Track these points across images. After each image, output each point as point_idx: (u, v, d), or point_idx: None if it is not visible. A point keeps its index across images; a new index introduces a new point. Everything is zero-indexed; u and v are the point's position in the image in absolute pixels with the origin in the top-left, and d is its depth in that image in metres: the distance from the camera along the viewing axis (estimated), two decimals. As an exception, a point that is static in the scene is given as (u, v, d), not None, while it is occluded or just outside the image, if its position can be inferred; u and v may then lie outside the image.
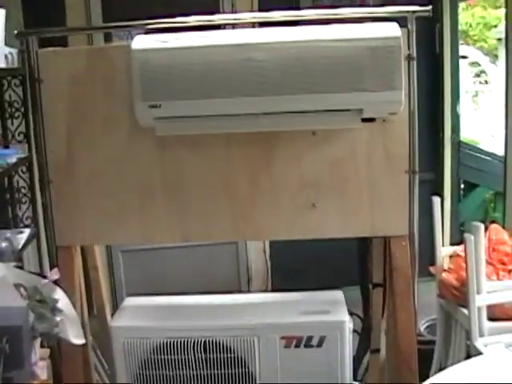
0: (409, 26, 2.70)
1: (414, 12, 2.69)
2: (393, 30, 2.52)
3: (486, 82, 12.06)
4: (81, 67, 2.81)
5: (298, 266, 5.15)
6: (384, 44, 2.50)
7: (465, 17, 11.61)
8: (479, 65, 11.66)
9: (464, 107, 5.89)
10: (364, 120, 2.67)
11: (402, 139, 2.80)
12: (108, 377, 3.63)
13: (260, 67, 2.51)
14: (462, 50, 10.55)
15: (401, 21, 2.65)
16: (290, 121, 2.63)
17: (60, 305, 2.55)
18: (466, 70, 10.70)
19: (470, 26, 12.61)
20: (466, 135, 5.80)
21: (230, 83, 2.53)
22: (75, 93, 2.83)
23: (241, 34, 2.63)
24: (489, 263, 3.40)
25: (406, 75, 2.68)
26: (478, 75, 12.01)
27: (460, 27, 10.64)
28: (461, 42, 10.97)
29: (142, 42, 2.60)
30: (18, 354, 2.22)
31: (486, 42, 12.71)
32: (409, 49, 2.71)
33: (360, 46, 2.50)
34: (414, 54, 2.73)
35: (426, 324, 4.34)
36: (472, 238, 3.03)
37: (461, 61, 10.07)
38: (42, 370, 2.45)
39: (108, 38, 4.78)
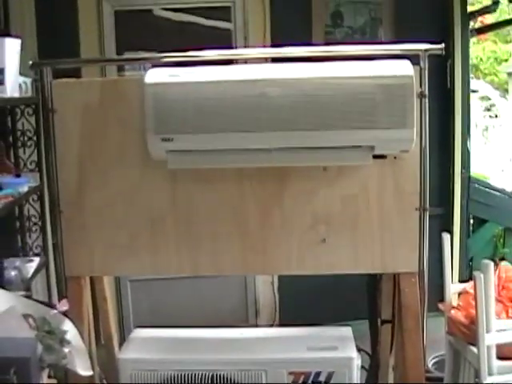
0: (421, 64, 2.70)
1: (426, 50, 2.70)
2: (405, 67, 2.54)
3: (496, 116, 12.10)
4: (94, 99, 2.82)
5: (306, 299, 5.13)
6: (396, 82, 2.51)
7: (475, 51, 11.65)
8: (489, 99, 11.71)
9: (474, 141, 5.89)
10: (375, 157, 2.67)
11: (413, 176, 2.80)
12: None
13: (273, 103, 2.52)
14: (473, 84, 10.59)
15: (413, 58, 2.66)
16: (301, 156, 2.64)
17: (68, 336, 2.56)
18: (476, 104, 10.73)
19: (481, 60, 12.65)
20: (475, 170, 5.80)
21: (242, 118, 2.54)
22: (88, 124, 2.84)
23: (254, 70, 2.65)
24: (498, 301, 3.40)
25: (418, 113, 2.68)
26: (488, 109, 12.04)
27: (470, 61, 10.69)
28: (471, 75, 11.02)
29: (155, 75, 2.61)
30: (25, 385, 2.21)
31: (496, 76, 12.75)
32: (421, 86, 2.71)
33: (372, 83, 2.51)
34: (426, 92, 2.73)
35: (434, 360, 4.31)
36: (482, 276, 3.02)
37: (471, 95, 10.11)
38: (49, 401, 2.45)
39: (121, 68, 4.82)
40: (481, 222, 5.67)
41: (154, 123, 2.58)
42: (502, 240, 5.99)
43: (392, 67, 2.55)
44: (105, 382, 3.57)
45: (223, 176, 2.84)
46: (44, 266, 3.72)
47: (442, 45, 2.72)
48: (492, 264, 3.12)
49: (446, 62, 5.32)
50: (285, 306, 5.32)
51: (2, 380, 2.12)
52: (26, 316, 2.48)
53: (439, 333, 3.84)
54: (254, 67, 2.72)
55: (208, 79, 2.58)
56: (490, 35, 11.51)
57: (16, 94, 3.30)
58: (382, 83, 2.51)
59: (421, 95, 2.72)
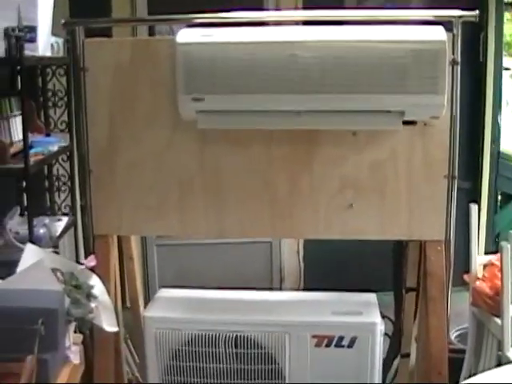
0: (454, 31, 2.69)
1: (460, 17, 2.68)
2: (438, 33, 2.52)
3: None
4: (126, 58, 2.84)
5: (331, 268, 5.15)
6: (429, 47, 2.50)
7: (509, 28, 11.51)
8: (522, 77, 11.57)
9: (505, 119, 5.84)
10: (405, 123, 2.66)
11: (443, 144, 2.79)
12: (138, 370, 3.66)
13: (303, 65, 2.52)
14: (505, 61, 10.45)
15: (446, 25, 2.64)
16: (330, 120, 2.64)
17: (95, 291, 2.58)
18: (507, 82, 10.61)
19: (515, 36, 12.49)
20: (506, 147, 5.75)
21: (272, 79, 2.55)
22: (119, 83, 2.86)
23: (285, 32, 2.66)
24: (524, 274, 3.38)
25: (450, 80, 2.67)
26: (520, 87, 11.90)
27: (504, 39, 10.54)
28: (504, 53, 10.87)
29: (186, 35, 2.62)
30: (52, 336, 2.24)
31: (530, 55, 12.59)
32: (453, 53, 2.70)
33: (405, 48, 2.50)
34: (459, 59, 2.72)
35: (457, 333, 4.30)
36: (508, 246, 3.00)
37: (504, 73, 9.98)
38: (75, 354, 2.47)
39: (151, 32, 4.81)
40: (508, 198, 5.62)
41: (184, 83, 2.59)
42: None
43: (425, 32, 2.54)
44: (129, 341, 3.62)
45: (252, 140, 2.85)
46: (72, 225, 3.75)
47: (476, 11, 2.70)
48: (519, 234, 3.11)
49: (479, 34, 5.27)
50: (310, 275, 5.33)
51: (30, 330, 2.15)
52: (54, 270, 2.51)
53: (464, 306, 3.83)
54: (286, 29, 2.73)
55: (239, 40, 2.59)
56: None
57: (48, 54, 3.32)
58: (414, 48, 2.50)
59: (453, 62, 2.71)
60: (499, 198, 5.61)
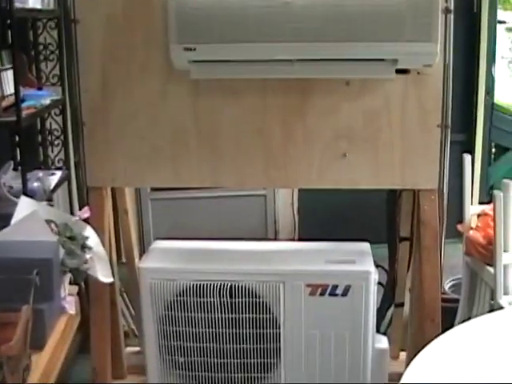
0: (447, -22, 2.68)
1: (452, -35, 2.67)
2: (432, -19, 2.51)
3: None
4: (117, 9, 2.82)
5: (325, 220, 5.17)
6: (422, -5, 2.49)
7: (504, -19, 11.43)
8: (517, 30, 11.52)
9: (500, 73, 5.83)
10: (398, 72, 2.66)
11: (436, 93, 2.79)
12: (134, 322, 3.70)
13: (297, 13, 2.51)
14: (500, 14, 10.39)
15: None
16: (324, 68, 2.64)
17: (89, 242, 2.60)
18: (503, 36, 10.57)
19: (510, -10, 12.42)
20: (500, 99, 5.75)
21: (266, 28, 2.54)
22: (111, 34, 2.84)
23: (279, -20, 2.64)
24: (517, 223, 3.40)
25: (443, 28, 2.67)
26: (515, 41, 11.85)
27: (499, -8, 10.47)
28: (499, 6, 10.81)
29: (179, -16, 2.60)
30: (48, 286, 2.27)
31: (525, 9, 12.52)
32: (446, 2, 2.69)
33: (398, -4, 2.49)
34: (452, 7, 2.71)
35: (451, 283, 4.35)
36: (501, 194, 3.02)
37: (498, 26, 9.92)
38: (71, 304, 2.51)
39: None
40: (503, 151, 5.64)
41: (176, 32, 2.59)
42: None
43: (418, -20, 2.52)
44: (124, 295, 3.65)
45: (246, 89, 2.84)
46: (66, 179, 3.75)
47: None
48: (512, 183, 3.12)
49: (473, -15, 5.24)
50: (304, 227, 5.35)
51: (25, 280, 2.17)
52: (48, 221, 2.53)
53: (458, 258, 3.87)
54: (279, -22, 2.70)
55: (231, -12, 2.57)
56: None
57: (38, 6, 3.29)
58: (407, -4, 2.48)
59: (446, 10, 2.69)
60: (493, 149, 5.63)
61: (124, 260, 3.46)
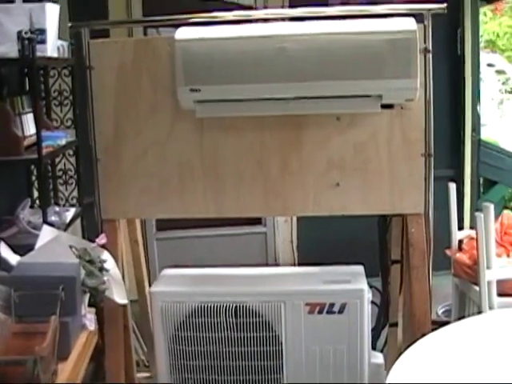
0: (425, 22, 2.97)
1: (429, 10, 2.97)
2: (409, 24, 2.81)
3: (512, 91, 12.18)
4: (128, 57, 3.10)
5: (324, 258, 5.37)
6: (401, 36, 2.79)
7: (492, 26, 11.76)
8: (505, 73, 11.82)
9: (489, 114, 6.08)
10: (383, 106, 2.94)
11: (419, 125, 3.06)
12: (144, 354, 3.91)
13: (290, 56, 2.80)
14: (489, 58, 10.73)
15: (419, 17, 2.92)
16: (316, 105, 2.92)
17: (107, 265, 2.85)
18: (492, 78, 10.88)
19: (498, 35, 12.71)
20: (491, 137, 6.00)
21: (262, 70, 2.83)
22: (122, 79, 3.12)
23: (273, 27, 2.94)
24: (500, 245, 3.65)
25: (423, 66, 2.95)
26: (504, 83, 12.15)
27: (487, 36, 10.83)
28: (488, 50, 11.14)
29: (184, 32, 2.91)
30: (71, 302, 2.50)
31: (512, 52, 12.82)
32: (425, 42, 2.97)
33: (380, 38, 2.79)
34: (430, 48, 2.98)
35: (444, 309, 4.58)
36: (482, 215, 3.25)
37: (488, 69, 10.26)
38: (91, 321, 2.73)
39: (145, 34, 5.07)
40: (491, 184, 5.90)
41: (183, 75, 2.88)
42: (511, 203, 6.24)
43: (398, 24, 2.82)
44: (136, 331, 3.85)
45: (246, 125, 3.11)
46: (80, 215, 3.99)
47: (445, 5, 2.97)
48: (492, 206, 3.35)
49: (456, 30, 5.53)
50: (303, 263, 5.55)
51: (52, 295, 2.41)
52: (69, 246, 2.77)
53: (450, 289, 4.09)
54: (273, 25, 3.01)
55: (231, 35, 2.87)
56: (506, 10, 11.59)
57: (55, 55, 3.56)
58: (388, 38, 2.78)
59: (425, 50, 2.98)
60: (481, 184, 5.89)
61: (132, 298, 3.67)
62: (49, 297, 2.42)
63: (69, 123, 4.09)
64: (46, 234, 2.86)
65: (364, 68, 2.80)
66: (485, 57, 10.11)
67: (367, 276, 3.27)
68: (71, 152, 4.08)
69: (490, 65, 10.68)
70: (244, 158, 3.14)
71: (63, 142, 3.65)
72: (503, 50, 12.89)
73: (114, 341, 3.25)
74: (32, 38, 3.06)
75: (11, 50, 3.13)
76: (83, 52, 3.17)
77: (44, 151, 3.27)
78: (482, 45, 8.41)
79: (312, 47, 2.81)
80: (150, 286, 3.50)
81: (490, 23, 11.15)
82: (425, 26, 2.97)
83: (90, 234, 4.00)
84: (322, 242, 5.41)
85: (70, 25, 3.24)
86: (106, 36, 3.92)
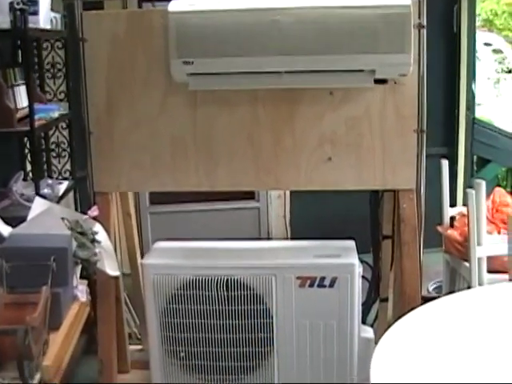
0: (420, -3, 2.96)
1: (424, -15, 2.96)
2: (404, -1, 2.80)
3: (510, 71, 12.17)
4: (121, 28, 3.08)
5: (316, 233, 5.39)
6: (396, 11, 2.78)
7: (490, 4, 11.72)
8: (502, 52, 11.79)
9: (485, 93, 6.06)
10: (377, 81, 2.94)
11: (412, 101, 3.06)
12: (136, 326, 3.93)
13: (284, 29, 2.79)
14: (487, 37, 10.70)
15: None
16: (309, 79, 2.91)
17: (98, 237, 2.86)
18: (489, 57, 10.84)
19: (496, 13, 12.67)
20: (486, 116, 5.99)
21: (256, 43, 2.83)
22: (116, 52, 3.11)
23: (267, 0, 2.91)
24: (491, 222, 3.67)
25: (417, 42, 2.95)
26: (500, 62, 12.12)
27: (485, 15, 10.78)
28: (485, 29, 11.10)
29: (177, 5, 2.89)
30: (63, 273, 2.52)
31: (510, 31, 12.78)
32: (419, 18, 2.96)
33: (374, 12, 2.78)
34: (425, 23, 2.98)
35: (435, 285, 4.60)
36: (473, 192, 3.26)
37: (484, 48, 10.21)
38: (82, 292, 2.76)
39: (139, 6, 5.02)
40: (484, 163, 5.90)
41: (176, 48, 2.87)
42: (505, 182, 6.25)
43: (392, -2, 2.81)
44: (128, 302, 3.87)
45: (239, 100, 3.10)
46: (72, 188, 4.00)
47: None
48: (484, 182, 3.36)
49: (453, 7, 5.51)
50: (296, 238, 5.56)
51: (43, 266, 2.42)
52: (61, 218, 2.78)
53: (441, 265, 4.12)
54: (268, -2, 2.99)
55: (225, 8, 2.85)
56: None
57: (48, 27, 3.56)
58: (382, 12, 2.77)
59: (419, 26, 2.97)
60: (475, 161, 5.89)
61: (124, 271, 3.68)
62: (40, 268, 2.43)
63: (62, 96, 4.08)
64: (39, 205, 2.87)
65: (357, 42, 2.80)
66: (482, 36, 10.07)
67: (359, 251, 3.28)
68: (64, 125, 4.08)
69: (486, 44, 10.65)
70: (237, 133, 3.13)
71: (56, 114, 3.65)
72: (501, 29, 12.85)
73: (106, 313, 3.27)
74: (24, 8, 3.06)
75: (4, 21, 3.13)
76: (76, 24, 3.15)
77: (36, 123, 3.28)
78: (479, 23, 8.38)
79: (306, 21, 2.80)
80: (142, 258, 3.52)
81: (488, 1, 11.10)
82: (419, 1, 2.95)
83: (83, 207, 4.02)
84: (315, 218, 5.42)
85: (63, -4, 3.23)
86: (101, 8, 3.89)
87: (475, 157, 5.87)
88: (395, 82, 3.02)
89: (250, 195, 5.42)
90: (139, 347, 3.80)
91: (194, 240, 3.52)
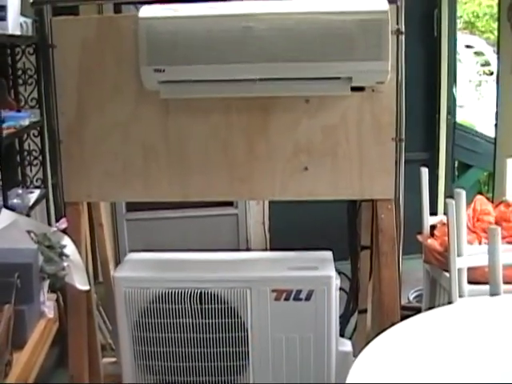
0: (398, 2, 2.88)
1: (402, -11, 2.88)
2: (381, 4, 2.72)
3: (491, 74, 12.16)
4: (91, 35, 2.99)
5: (296, 240, 5.33)
6: (372, 17, 2.70)
7: (472, 6, 11.69)
8: (484, 55, 11.78)
9: (467, 96, 6.02)
10: (354, 89, 2.86)
11: (390, 109, 2.98)
12: (111, 337, 3.84)
13: (257, 36, 2.70)
14: (468, 39, 10.68)
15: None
16: (284, 87, 2.83)
17: (67, 251, 2.76)
18: (470, 60, 10.83)
19: (477, 16, 12.66)
20: (468, 120, 5.96)
21: (228, 50, 2.73)
22: (86, 59, 3.01)
23: (240, 6, 2.83)
24: (472, 231, 3.60)
25: (395, 48, 2.87)
26: (482, 65, 12.11)
27: (467, 17, 10.76)
28: (466, 31, 11.08)
29: (148, 11, 2.80)
30: (28, 289, 2.42)
31: (492, 34, 12.78)
32: (397, 23, 2.89)
33: (350, 18, 2.70)
34: (403, 29, 2.90)
35: (416, 294, 4.54)
36: (453, 202, 3.20)
37: (466, 50, 10.19)
38: (50, 308, 2.65)
39: (117, 9, 4.93)
40: (466, 168, 5.86)
41: (147, 55, 2.77)
42: (486, 187, 6.20)
43: (369, 4, 2.73)
44: (101, 309, 3.80)
45: (212, 108, 3.02)
46: (43, 197, 3.91)
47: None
48: (464, 192, 3.29)
49: (433, 11, 5.47)
50: (275, 245, 5.51)
51: (7, 282, 2.33)
52: (28, 232, 2.68)
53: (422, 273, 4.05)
54: (239, 4, 2.90)
55: (197, 14, 2.77)
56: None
57: (17, 32, 3.46)
58: (359, 18, 2.69)
59: (397, 32, 2.89)
60: (456, 167, 5.85)
61: (101, 279, 3.61)
62: (4, 284, 2.33)
63: (33, 103, 3.98)
64: (5, 217, 2.77)
65: (333, 49, 2.71)
66: (463, 38, 10.05)
67: (337, 260, 3.22)
68: (36, 132, 3.98)
69: (468, 46, 10.63)
70: (210, 142, 3.05)
71: (26, 122, 3.56)
72: (482, 31, 12.84)
73: (76, 326, 3.19)
74: (-10, 14, 2.96)
75: (-30, 27, 3.03)
76: (46, 29, 3.06)
77: (5, 132, 3.19)
78: (460, 26, 8.36)
79: (279, 27, 2.72)
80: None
81: (469, 3, 11.07)
82: (398, 7, 2.87)
83: (57, 215, 3.93)
84: (294, 225, 5.36)
85: (31, 1, 3.13)
86: (76, 14, 3.80)
87: (456, 162, 5.82)
88: (373, 90, 2.94)
89: (228, 202, 5.36)
90: (113, 359, 3.71)
91: (170, 248, 3.46)
